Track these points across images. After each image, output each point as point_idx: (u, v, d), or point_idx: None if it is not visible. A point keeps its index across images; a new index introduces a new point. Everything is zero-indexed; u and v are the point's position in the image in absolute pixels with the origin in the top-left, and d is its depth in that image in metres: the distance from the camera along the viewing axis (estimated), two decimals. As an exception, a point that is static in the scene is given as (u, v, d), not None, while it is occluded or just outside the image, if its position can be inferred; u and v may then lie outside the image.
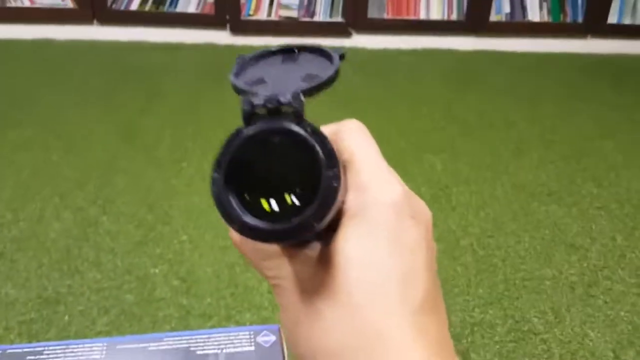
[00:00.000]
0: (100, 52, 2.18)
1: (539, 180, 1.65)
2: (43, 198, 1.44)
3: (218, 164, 0.25)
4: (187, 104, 1.90)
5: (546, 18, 2.39)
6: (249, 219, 0.25)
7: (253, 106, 0.25)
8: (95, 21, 2.24)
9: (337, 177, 0.25)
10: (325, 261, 0.28)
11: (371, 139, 0.30)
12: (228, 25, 2.29)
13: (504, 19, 2.37)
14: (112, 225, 1.36)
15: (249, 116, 0.25)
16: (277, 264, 0.29)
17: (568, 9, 2.40)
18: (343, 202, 0.28)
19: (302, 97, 0.25)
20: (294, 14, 2.36)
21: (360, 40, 2.36)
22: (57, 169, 1.56)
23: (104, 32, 2.25)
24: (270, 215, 0.25)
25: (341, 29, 2.36)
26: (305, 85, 0.27)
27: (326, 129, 0.26)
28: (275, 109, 0.25)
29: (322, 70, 0.29)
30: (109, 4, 2.21)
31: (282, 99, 0.25)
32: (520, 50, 2.35)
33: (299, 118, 0.25)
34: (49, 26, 2.21)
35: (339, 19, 2.37)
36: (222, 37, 2.29)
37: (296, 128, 0.25)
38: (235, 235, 0.29)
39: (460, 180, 1.62)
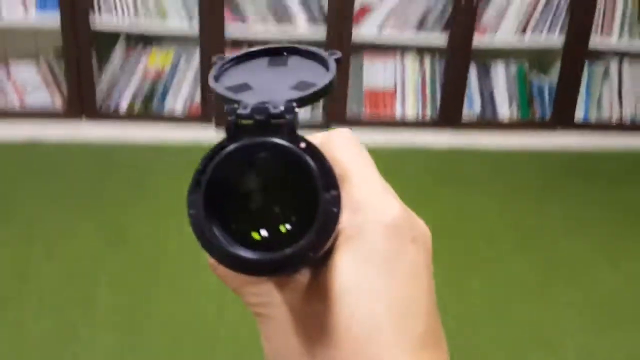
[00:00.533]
0: (88, 151, 2.24)
1: (513, 276, 1.70)
2: (22, 301, 1.46)
3: (196, 184, 0.22)
4: (171, 202, 1.95)
5: (516, 114, 2.51)
6: (235, 249, 0.22)
7: (238, 117, 0.22)
8: (83, 118, 2.31)
9: (337, 201, 0.22)
10: (318, 289, 0.25)
11: (365, 151, 0.27)
12: (214, 120, 2.37)
13: (475, 116, 2.49)
14: (92, 333, 1.37)
15: (234, 129, 0.22)
16: (262, 290, 0.26)
17: (536, 106, 2.53)
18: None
19: (296, 108, 0.22)
20: (276, 109, 2.46)
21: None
22: (38, 271, 1.58)
23: (92, 131, 2.32)
24: (258, 244, 0.22)
25: (321, 125, 2.46)
26: (298, 94, 0.24)
27: (314, 140, 0.23)
28: (264, 121, 0.22)
29: (315, 76, 0.26)
30: (98, 105, 2.30)
31: (273, 110, 0.22)
32: (492, 145, 2.45)
33: (291, 132, 0.22)
34: (37, 126, 2.28)
35: (319, 115, 2.47)
36: (207, 134, 2.37)
37: (289, 144, 0.22)
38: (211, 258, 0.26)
39: (434, 276, 1.65)
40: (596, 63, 2.53)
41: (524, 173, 2.32)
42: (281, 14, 2.31)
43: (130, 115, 2.34)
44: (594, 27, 2.41)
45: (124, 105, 2.33)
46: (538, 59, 2.57)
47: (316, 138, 0.26)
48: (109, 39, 2.31)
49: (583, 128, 2.55)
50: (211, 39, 2.24)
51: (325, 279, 0.25)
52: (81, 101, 2.27)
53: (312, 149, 0.22)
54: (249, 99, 0.23)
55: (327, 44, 2.26)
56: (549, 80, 2.51)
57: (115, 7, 2.22)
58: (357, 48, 2.36)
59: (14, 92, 2.28)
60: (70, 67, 2.22)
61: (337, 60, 0.26)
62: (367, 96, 2.45)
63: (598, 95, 2.57)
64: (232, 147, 0.22)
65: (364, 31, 2.35)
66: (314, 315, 0.25)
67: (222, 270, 0.25)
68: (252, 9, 2.29)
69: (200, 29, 2.23)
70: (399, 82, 2.43)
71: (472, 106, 2.47)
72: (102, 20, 2.22)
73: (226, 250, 0.22)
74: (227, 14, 2.25)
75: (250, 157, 0.22)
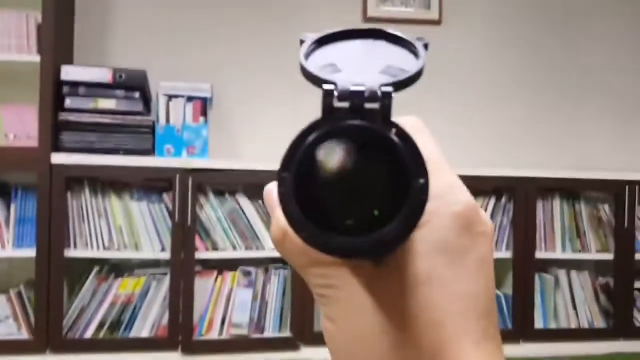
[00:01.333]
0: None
1: None
2: None
3: (288, 162, 0.22)
4: None
5: (478, 326, 2.58)
6: (321, 231, 0.22)
7: (334, 99, 0.22)
8: (48, 351, 2.28)
9: (426, 190, 0.22)
10: (389, 276, 0.25)
11: (432, 138, 0.27)
12: (180, 347, 2.37)
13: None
14: None
15: (329, 110, 0.22)
16: (329, 272, 0.26)
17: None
18: None
19: (392, 94, 0.22)
20: (244, 331, 2.48)
21: (307, 353, 2.46)
22: None
23: (56, 361, 2.28)
24: (344, 227, 0.22)
25: (290, 343, 2.47)
26: (391, 80, 0.24)
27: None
28: (359, 105, 0.22)
29: (403, 61, 0.25)
30: (64, 332, 2.30)
31: (370, 94, 0.22)
32: None
33: (385, 118, 0.22)
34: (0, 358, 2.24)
35: (287, 333, 2.49)
36: (174, 358, 2.35)
37: (382, 129, 0.22)
38: (277, 233, 0.26)
39: None
40: (546, 275, 2.70)
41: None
42: (251, 240, 2.47)
43: (96, 342, 2.32)
44: (538, 242, 2.62)
45: (90, 333, 2.32)
46: (491, 272, 2.73)
47: None
48: (81, 265, 2.41)
49: (544, 337, 2.62)
50: (182, 264, 2.35)
51: (399, 267, 0.25)
52: (47, 333, 2.26)
53: (405, 137, 0.22)
54: (343, 82, 0.22)
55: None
56: (504, 293, 2.64)
57: (91, 243, 2.35)
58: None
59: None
60: (40, 299, 2.25)
61: (426, 46, 0.26)
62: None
63: (553, 304, 2.69)
64: (325, 128, 0.22)
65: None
66: (382, 301, 0.25)
67: (289, 249, 0.26)
68: (221, 236, 2.45)
69: (172, 256, 2.35)
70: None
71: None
72: (77, 251, 2.34)
73: (312, 231, 0.22)
74: (198, 242, 2.39)
75: (343, 139, 0.22)
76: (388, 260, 0.25)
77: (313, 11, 2.76)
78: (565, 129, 3.02)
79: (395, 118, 0.24)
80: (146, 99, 2.44)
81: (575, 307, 2.70)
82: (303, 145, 0.22)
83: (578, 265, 2.76)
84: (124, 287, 2.38)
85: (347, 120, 0.22)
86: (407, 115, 0.27)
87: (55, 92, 2.29)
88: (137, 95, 2.36)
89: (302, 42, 0.27)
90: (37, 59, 2.24)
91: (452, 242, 0.25)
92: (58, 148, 2.30)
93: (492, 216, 2.61)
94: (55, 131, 2.30)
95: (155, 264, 2.48)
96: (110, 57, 2.67)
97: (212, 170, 2.36)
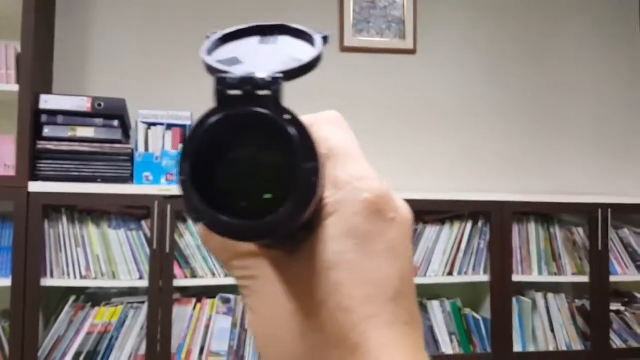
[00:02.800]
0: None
1: None
2: None
3: (185, 152, 0.23)
4: None
5: (458, 350, 2.59)
6: (219, 215, 0.22)
7: (226, 87, 0.23)
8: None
9: (316, 171, 0.22)
10: (300, 263, 0.26)
11: (350, 131, 0.28)
12: (158, 376, 2.33)
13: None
14: None
15: (222, 98, 0.23)
16: (248, 263, 0.27)
17: (476, 341, 2.63)
18: (322, 199, 0.25)
19: (281, 81, 0.23)
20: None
21: None
22: None
23: (30, 393, 2.23)
24: (242, 211, 0.23)
25: None
26: (284, 68, 0.25)
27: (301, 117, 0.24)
28: (251, 92, 0.23)
29: (303, 53, 0.27)
30: (39, 364, 2.26)
31: (259, 81, 0.23)
32: (439, 383, 2.47)
33: (276, 103, 0.23)
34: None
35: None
36: (151, 389, 2.31)
37: (273, 114, 0.22)
38: (203, 230, 0.27)
39: None
40: (523, 298, 2.72)
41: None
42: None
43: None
44: (514, 266, 2.65)
45: (66, 364, 2.29)
46: (470, 295, 2.75)
47: (304, 118, 0.25)
48: (57, 294, 2.37)
49: (523, 360, 2.64)
50: (160, 292, 2.33)
51: (308, 254, 0.26)
52: (22, 363, 2.22)
53: (295, 121, 0.23)
54: (238, 72, 0.23)
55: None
56: (483, 317, 2.66)
57: (68, 272, 2.33)
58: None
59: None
60: (15, 329, 2.22)
61: (324, 38, 0.28)
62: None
63: (531, 327, 2.71)
64: (218, 116, 0.23)
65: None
66: (294, 288, 0.26)
67: (212, 243, 0.28)
68: (200, 263, 2.45)
69: (150, 284, 2.33)
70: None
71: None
72: (54, 280, 2.31)
73: (211, 215, 0.22)
74: (176, 269, 2.38)
75: (236, 126, 0.23)
76: (300, 248, 0.26)
77: (291, 41, 2.81)
78: (539, 154, 3.09)
79: (313, 114, 0.26)
80: (125, 127, 2.45)
81: (553, 330, 2.73)
82: (198, 133, 0.23)
83: (555, 288, 2.79)
84: (101, 317, 2.35)
85: (239, 106, 0.23)
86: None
87: (33, 121, 2.29)
88: (115, 123, 2.37)
89: (207, 37, 0.28)
90: (15, 88, 2.25)
91: (360, 228, 0.25)
92: (36, 176, 2.29)
93: (469, 240, 2.64)
94: (33, 160, 2.29)
95: (132, 292, 2.46)
96: (89, 86, 2.69)
97: (190, 197, 2.36)
